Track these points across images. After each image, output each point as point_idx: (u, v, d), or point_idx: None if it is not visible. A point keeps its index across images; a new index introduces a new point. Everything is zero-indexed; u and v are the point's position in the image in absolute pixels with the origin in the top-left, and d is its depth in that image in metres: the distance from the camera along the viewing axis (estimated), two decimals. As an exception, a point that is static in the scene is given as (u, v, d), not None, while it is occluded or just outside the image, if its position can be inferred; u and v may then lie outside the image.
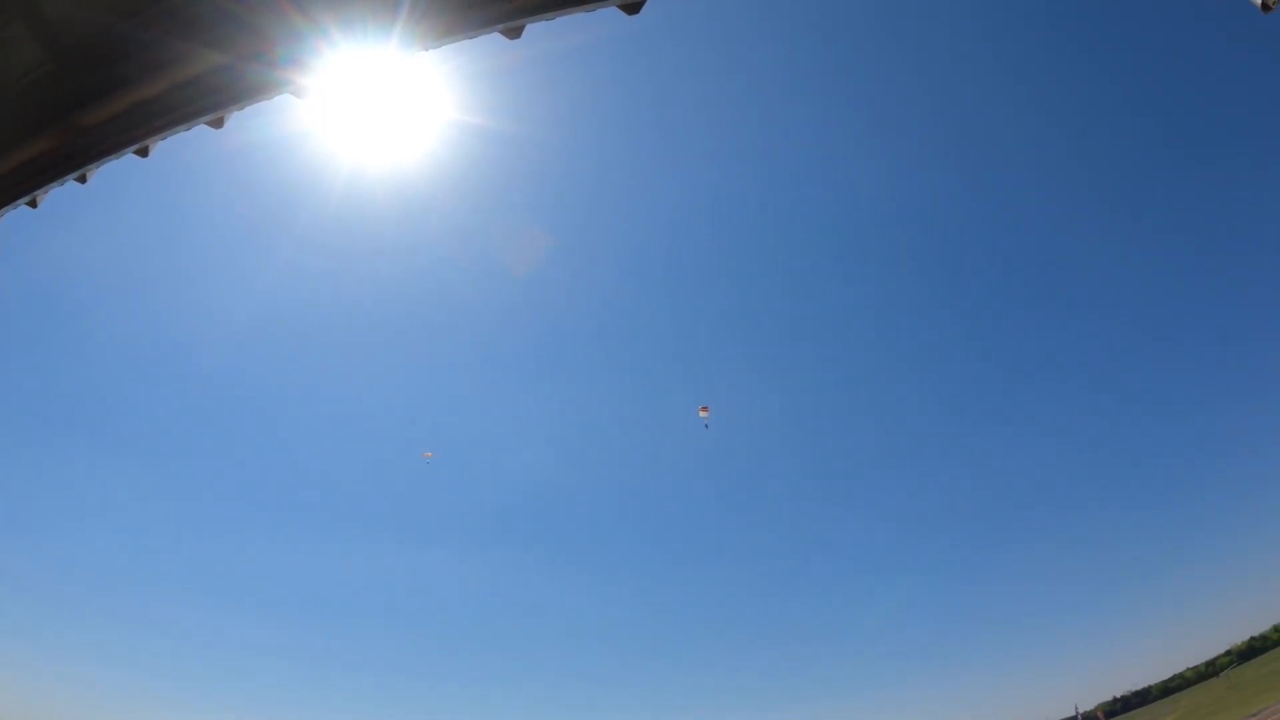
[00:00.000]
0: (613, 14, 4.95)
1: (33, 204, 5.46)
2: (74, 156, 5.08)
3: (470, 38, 4.83)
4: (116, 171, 5.21)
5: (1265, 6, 4.99)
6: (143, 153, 5.11)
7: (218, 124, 5.01)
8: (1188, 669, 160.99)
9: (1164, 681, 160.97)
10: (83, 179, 5.27)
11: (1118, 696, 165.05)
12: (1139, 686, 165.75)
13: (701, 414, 53.49)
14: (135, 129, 4.94)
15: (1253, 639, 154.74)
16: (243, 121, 5.11)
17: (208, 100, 4.77)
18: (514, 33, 4.81)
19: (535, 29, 4.96)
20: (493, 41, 5.05)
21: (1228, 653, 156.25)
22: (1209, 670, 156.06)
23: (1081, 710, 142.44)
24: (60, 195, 5.42)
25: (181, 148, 5.16)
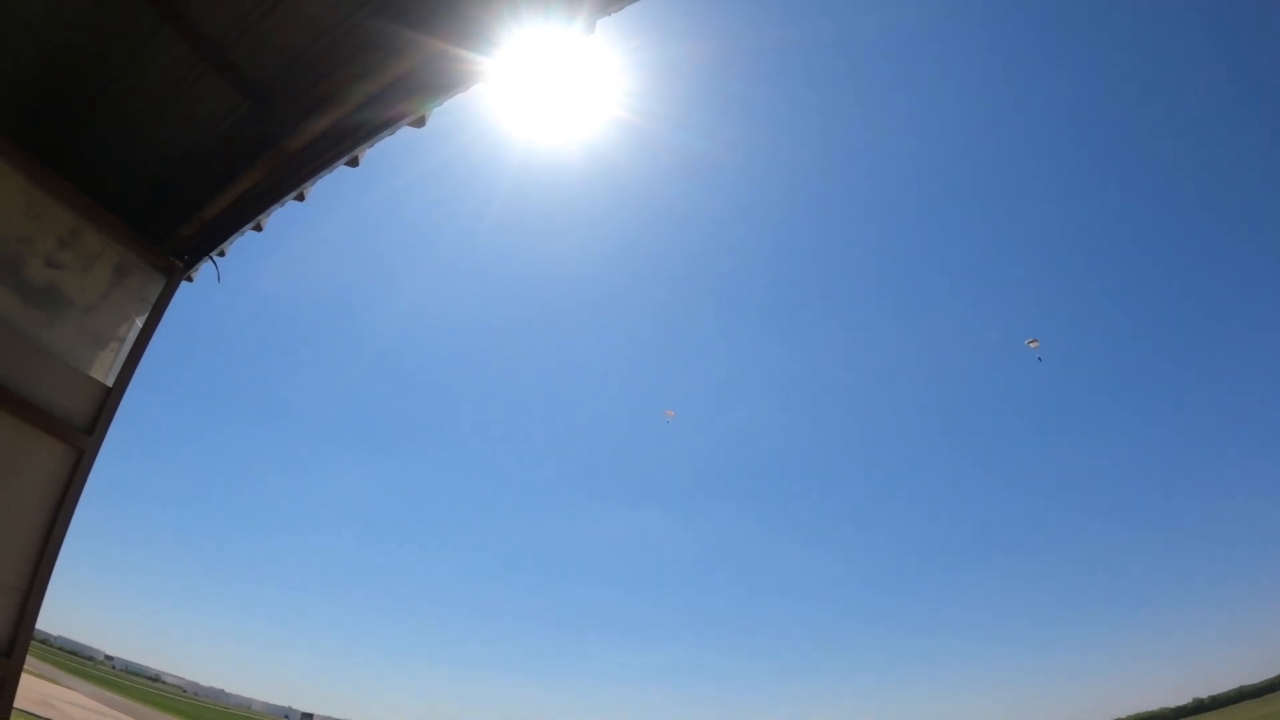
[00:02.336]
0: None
1: (258, 228, 5.62)
2: (288, 179, 5.19)
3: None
4: (332, 183, 5.32)
5: None
6: (353, 163, 5.18)
7: (419, 123, 5.03)
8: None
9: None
10: (300, 197, 5.38)
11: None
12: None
13: (1032, 345, 54.05)
14: (342, 143, 5.02)
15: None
16: (440, 117, 5.14)
17: (408, 103, 4.82)
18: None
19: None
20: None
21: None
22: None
23: None
24: (282, 214, 5.56)
25: (389, 149, 5.24)
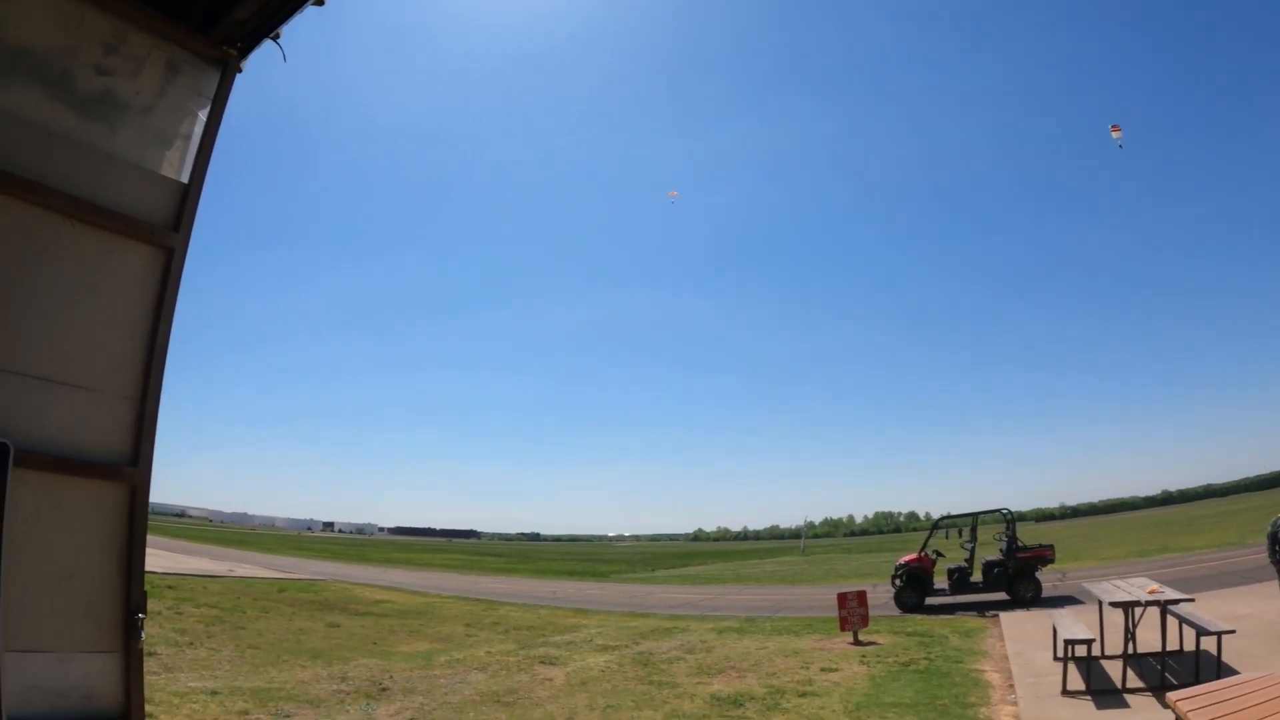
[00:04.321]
0: None
1: (319, 2, 5.17)
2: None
3: None
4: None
5: None
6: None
7: None
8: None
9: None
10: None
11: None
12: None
13: (1115, 134, 49.39)
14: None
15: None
16: None
17: None
18: None
19: None
20: None
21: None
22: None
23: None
24: None
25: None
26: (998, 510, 25.36)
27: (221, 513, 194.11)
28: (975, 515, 25.41)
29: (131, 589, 4.37)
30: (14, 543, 3.78)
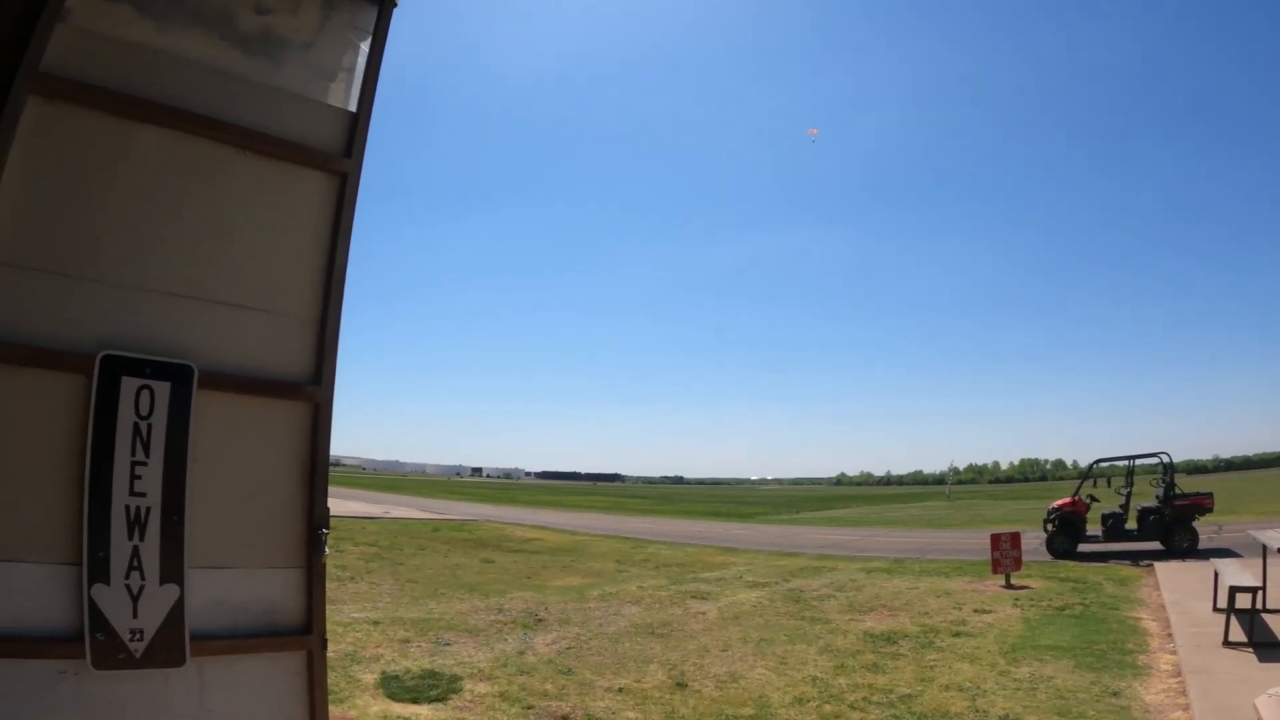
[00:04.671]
0: None
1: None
2: None
3: None
4: None
5: None
6: None
7: None
8: None
9: None
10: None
11: None
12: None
13: None
14: None
15: None
16: None
17: None
18: None
19: None
20: None
21: None
22: None
23: None
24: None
25: None
26: (1155, 454, 24.01)
27: (374, 460, 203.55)
28: (1132, 459, 24.13)
29: (314, 505, 4.49)
30: (200, 463, 3.95)
